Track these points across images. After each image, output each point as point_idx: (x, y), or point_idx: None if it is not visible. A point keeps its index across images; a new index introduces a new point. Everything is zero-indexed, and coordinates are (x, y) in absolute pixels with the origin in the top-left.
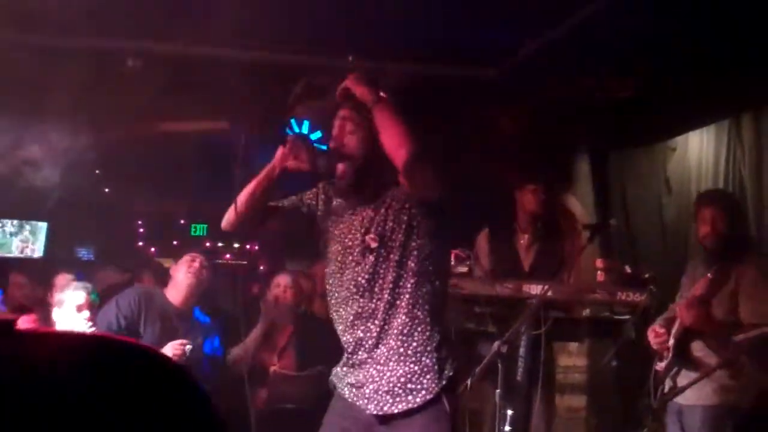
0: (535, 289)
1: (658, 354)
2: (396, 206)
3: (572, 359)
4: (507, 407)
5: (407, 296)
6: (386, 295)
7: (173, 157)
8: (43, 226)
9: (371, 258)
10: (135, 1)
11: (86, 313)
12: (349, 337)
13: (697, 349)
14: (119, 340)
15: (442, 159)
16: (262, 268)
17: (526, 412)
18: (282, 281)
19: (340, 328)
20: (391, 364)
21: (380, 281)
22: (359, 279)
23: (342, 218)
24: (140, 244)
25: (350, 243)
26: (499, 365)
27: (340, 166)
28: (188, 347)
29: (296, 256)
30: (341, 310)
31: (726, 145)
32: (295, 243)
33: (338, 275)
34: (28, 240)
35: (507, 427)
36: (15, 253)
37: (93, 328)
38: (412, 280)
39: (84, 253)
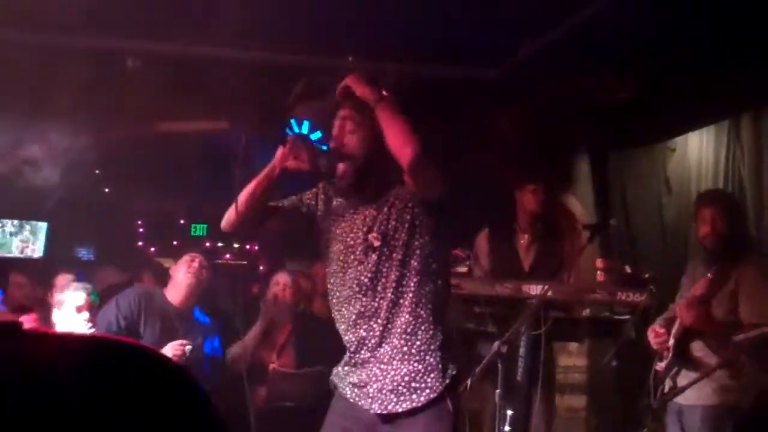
0: (534, 289)
1: (658, 354)
2: (399, 205)
3: (572, 359)
4: (507, 407)
5: (410, 295)
6: (389, 294)
7: (173, 157)
8: (43, 226)
9: (374, 257)
10: (135, 1)
11: (86, 314)
12: (351, 336)
13: (697, 349)
14: (120, 340)
15: (444, 158)
16: (261, 268)
17: (525, 412)
18: (281, 280)
19: (343, 327)
20: (395, 363)
21: (383, 280)
22: (362, 278)
23: (343, 217)
24: (140, 244)
25: (352, 242)
26: (499, 365)
27: (341, 166)
28: (188, 347)
29: (296, 255)
30: (343, 309)
31: (725, 145)
32: (295, 243)
33: (340, 274)
34: (28, 240)
35: (507, 427)
36: (15, 253)
37: (92, 329)
38: (415, 279)
39: (84, 253)
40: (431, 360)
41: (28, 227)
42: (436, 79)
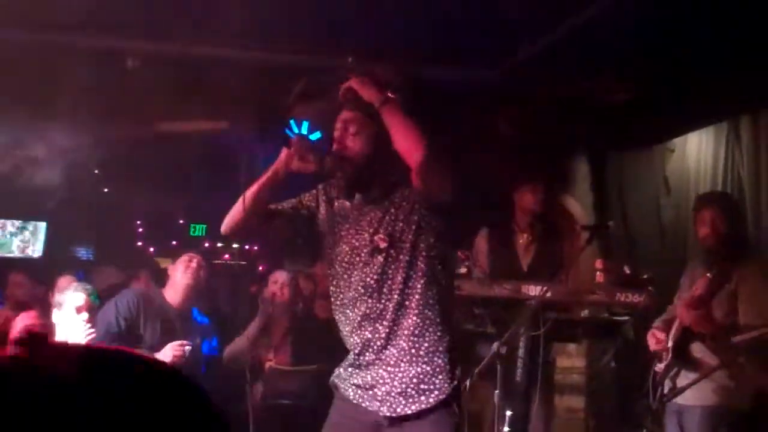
0: (533, 290)
1: (657, 355)
2: (406, 207)
3: (571, 360)
4: (506, 408)
5: (417, 297)
6: (395, 296)
7: (173, 157)
8: (42, 226)
9: (380, 258)
10: (135, 1)
11: (85, 315)
12: (356, 338)
13: (697, 350)
14: (144, 357)
15: (453, 161)
16: (261, 268)
17: (524, 413)
18: (279, 278)
19: (347, 329)
20: (402, 365)
21: (389, 282)
22: (368, 280)
23: (348, 219)
24: (139, 244)
25: (358, 243)
26: (498, 366)
27: (345, 168)
28: (188, 348)
29: (296, 255)
30: (348, 311)
31: (724, 146)
32: (295, 243)
33: (345, 276)
34: (28, 240)
35: (506, 428)
36: (15, 252)
37: (92, 330)
38: (422, 281)
39: (83, 253)
40: (439, 361)
41: (27, 227)
42: (436, 79)
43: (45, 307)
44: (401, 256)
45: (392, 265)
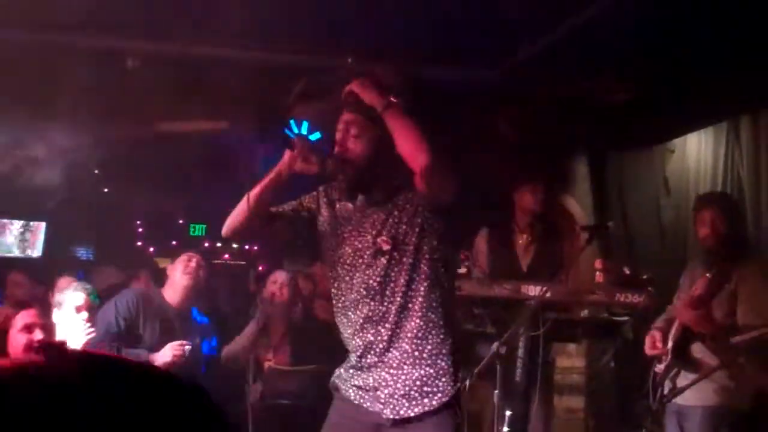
0: (533, 290)
1: (656, 356)
2: (410, 209)
3: (571, 360)
4: (505, 408)
5: (420, 299)
6: (398, 298)
7: (173, 157)
8: (42, 226)
9: (383, 260)
10: (135, 1)
11: (85, 314)
12: (358, 340)
13: (697, 350)
14: (166, 374)
15: (453, 161)
16: (261, 268)
17: (524, 413)
18: (279, 278)
19: (349, 331)
20: (405, 367)
21: (392, 284)
22: (370, 282)
23: (350, 221)
24: (139, 243)
25: (360, 245)
26: (498, 366)
27: (346, 170)
28: (187, 347)
29: (295, 255)
30: (350, 313)
31: (724, 146)
32: (295, 245)
33: (347, 278)
34: (28, 239)
35: (505, 428)
36: (14, 252)
37: (92, 329)
38: (425, 283)
39: (83, 253)
40: (442, 364)
41: (27, 226)
42: (436, 79)
43: (45, 306)
44: (404, 259)
45: (395, 267)
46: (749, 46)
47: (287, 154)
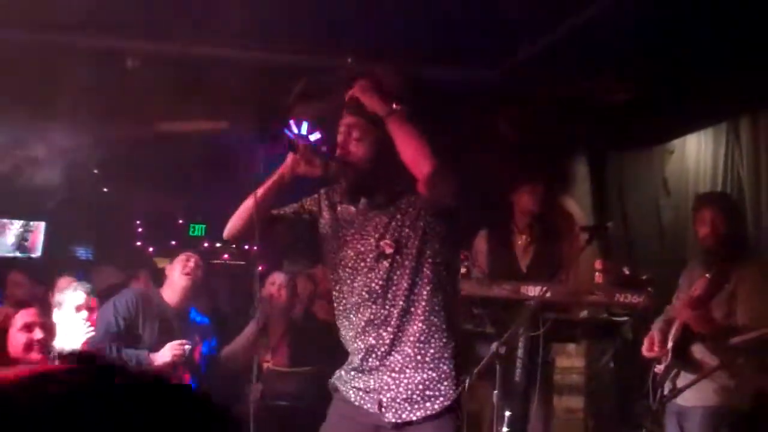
0: (533, 290)
1: (656, 356)
2: (412, 213)
3: (570, 360)
4: (505, 408)
5: (423, 303)
6: (400, 302)
7: (172, 157)
8: (41, 226)
9: (386, 264)
10: (135, 1)
11: (84, 314)
12: (360, 344)
13: (696, 351)
14: (181, 387)
15: (455, 163)
16: (260, 268)
17: (523, 414)
18: (277, 280)
19: (351, 334)
20: (407, 371)
21: (394, 288)
22: (373, 285)
23: (353, 224)
24: (139, 243)
25: (363, 248)
26: (497, 366)
27: (348, 173)
28: (187, 347)
29: (296, 255)
30: (351, 316)
31: (724, 147)
32: (296, 248)
33: (348, 281)
34: (27, 239)
35: (505, 428)
36: (14, 252)
37: (91, 329)
38: (428, 287)
39: (82, 253)
40: (445, 368)
41: (27, 226)
42: (436, 79)
43: (45, 306)
44: (407, 262)
45: (397, 270)
46: (749, 46)
47: (290, 157)
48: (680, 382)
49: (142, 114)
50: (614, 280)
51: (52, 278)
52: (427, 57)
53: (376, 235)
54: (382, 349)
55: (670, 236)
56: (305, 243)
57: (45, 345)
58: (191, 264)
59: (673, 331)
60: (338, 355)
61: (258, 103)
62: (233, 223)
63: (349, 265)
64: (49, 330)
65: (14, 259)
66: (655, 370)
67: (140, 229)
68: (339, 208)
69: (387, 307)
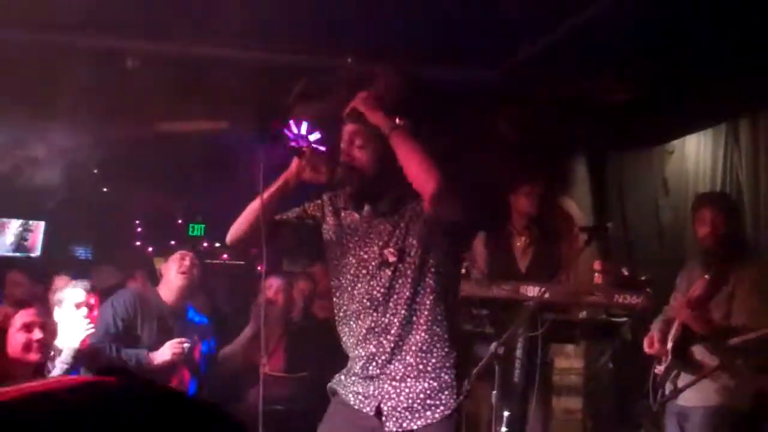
0: (532, 291)
1: (656, 357)
2: (417, 222)
3: (569, 361)
4: (503, 409)
5: (426, 312)
6: (402, 311)
7: (172, 157)
8: (41, 225)
9: (388, 272)
10: (135, 1)
11: (84, 311)
12: (361, 351)
13: (696, 351)
14: (223, 412)
15: (458, 168)
16: (260, 268)
17: (522, 414)
18: (274, 284)
19: (351, 341)
20: (409, 380)
21: (395, 296)
22: (374, 293)
23: (357, 231)
24: (138, 243)
25: (366, 256)
26: (496, 367)
27: (353, 179)
28: (186, 345)
29: (295, 255)
30: (351, 323)
31: (723, 148)
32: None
33: (349, 289)
34: (27, 239)
35: (503, 429)
36: (13, 251)
37: (91, 326)
38: (430, 297)
39: (82, 252)
40: (446, 377)
41: (26, 226)
42: (436, 79)
43: (44, 306)
44: (409, 272)
45: (400, 279)
46: (749, 47)
47: (295, 163)
48: (681, 383)
49: (142, 114)
50: (613, 280)
51: (51, 278)
52: (427, 57)
53: (380, 243)
54: (383, 358)
55: (669, 237)
56: (308, 248)
57: (44, 345)
58: (186, 263)
59: (672, 331)
60: (336, 359)
61: (258, 103)
62: (237, 229)
63: (351, 272)
64: (48, 330)
65: (14, 258)
66: (655, 370)
67: (139, 229)
68: (343, 214)
69: (388, 315)
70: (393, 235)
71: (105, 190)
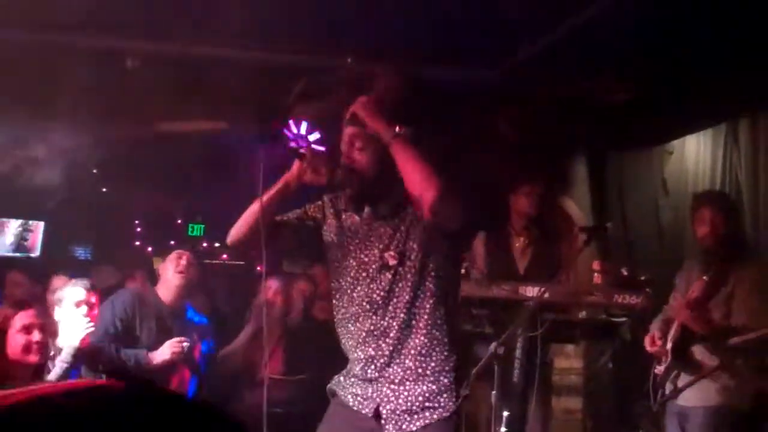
0: (531, 291)
1: (656, 357)
2: (417, 226)
3: (569, 361)
4: (503, 409)
5: (426, 316)
6: (401, 314)
7: (172, 157)
8: (40, 225)
9: (388, 275)
10: (135, 1)
11: (84, 309)
12: (359, 353)
13: (696, 351)
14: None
15: (463, 180)
16: (259, 268)
17: (522, 414)
18: (273, 285)
19: (350, 344)
20: (407, 383)
21: (395, 300)
22: (374, 296)
23: (357, 234)
24: (137, 243)
25: (366, 259)
26: (496, 367)
27: (354, 180)
28: (186, 344)
29: (294, 256)
30: (350, 325)
31: (723, 148)
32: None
33: (349, 291)
34: (26, 239)
35: (503, 429)
36: (13, 251)
37: (91, 324)
38: (430, 301)
39: (81, 252)
40: (445, 381)
41: (26, 226)
42: (436, 79)
43: (44, 306)
44: (409, 275)
45: (400, 282)
46: (749, 47)
47: (296, 165)
48: (681, 383)
49: (142, 114)
50: (613, 281)
51: (50, 278)
52: (427, 57)
53: (380, 246)
54: (382, 361)
55: (669, 237)
56: (308, 249)
57: (44, 347)
58: (183, 262)
59: (672, 331)
60: (336, 361)
61: (258, 103)
62: (237, 231)
63: (351, 274)
64: (48, 331)
65: (13, 258)
66: (655, 371)
67: (139, 229)
68: (344, 216)
69: (387, 318)
70: (393, 238)
71: (105, 190)
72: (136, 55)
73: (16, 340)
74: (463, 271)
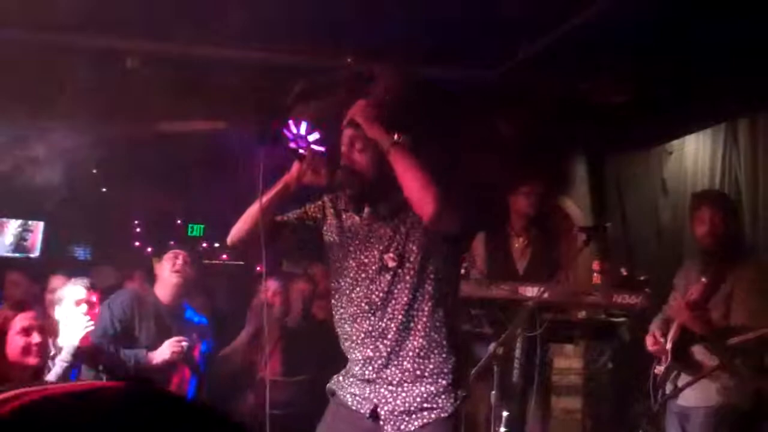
0: (531, 291)
1: (656, 357)
2: (418, 228)
3: (568, 361)
4: (502, 409)
5: (424, 319)
6: (399, 316)
7: (172, 157)
8: (40, 225)
9: (387, 277)
10: (135, 1)
11: (84, 307)
12: (358, 354)
13: (696, 351)
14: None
15: (463, 181)
16: (259, 269)
17: (521, 414)
18: (271, 286)
19: (348, 344)
20: (405, 385)
21: (393, 301)
22: (373, 297)
23: (357, 234)
24: (137, 243)
25: (366, 260)
26: (495, 367)
27: (354, 181)
28: (185, 344)
29: (294, 256)
30: (347, 326)
31: (722, 148)
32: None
33: (348, 292)
34: (26, 239)
35: (502, 429)
36: (12, 252)
37: (91, 323)
38: (429, 303)
39: (81, 253)
40: (443, 382)
41: (25, 226)
42: (436, 79)
43: (43, 307)
44: (408, 277)
45: (399, 284)
46: (749, 47)
47: (296, 166)
48: (681, 383)
49: (142, 114)
50: (612, 281)
51: (48, 278)
52: (427, 57)
53: (380, 248)
54: (379, 362)
55: (668, 237)
56: (308, 249)
57: (43, 348)
58: (180, 261)
59: (671, 332)
60: (332, 362)
61: (258, 103)
62: (237, 231)
63: (351, 275)
64: (47, 332)
65: (13, 258)
66: (655, 371)
67: (139, 229)
68: (344, 216)
69: (385, 320)
70: (393, 240)
71: (104, 190)
72: (136, 55)
73: (15, 342)
74: (462, 271)
